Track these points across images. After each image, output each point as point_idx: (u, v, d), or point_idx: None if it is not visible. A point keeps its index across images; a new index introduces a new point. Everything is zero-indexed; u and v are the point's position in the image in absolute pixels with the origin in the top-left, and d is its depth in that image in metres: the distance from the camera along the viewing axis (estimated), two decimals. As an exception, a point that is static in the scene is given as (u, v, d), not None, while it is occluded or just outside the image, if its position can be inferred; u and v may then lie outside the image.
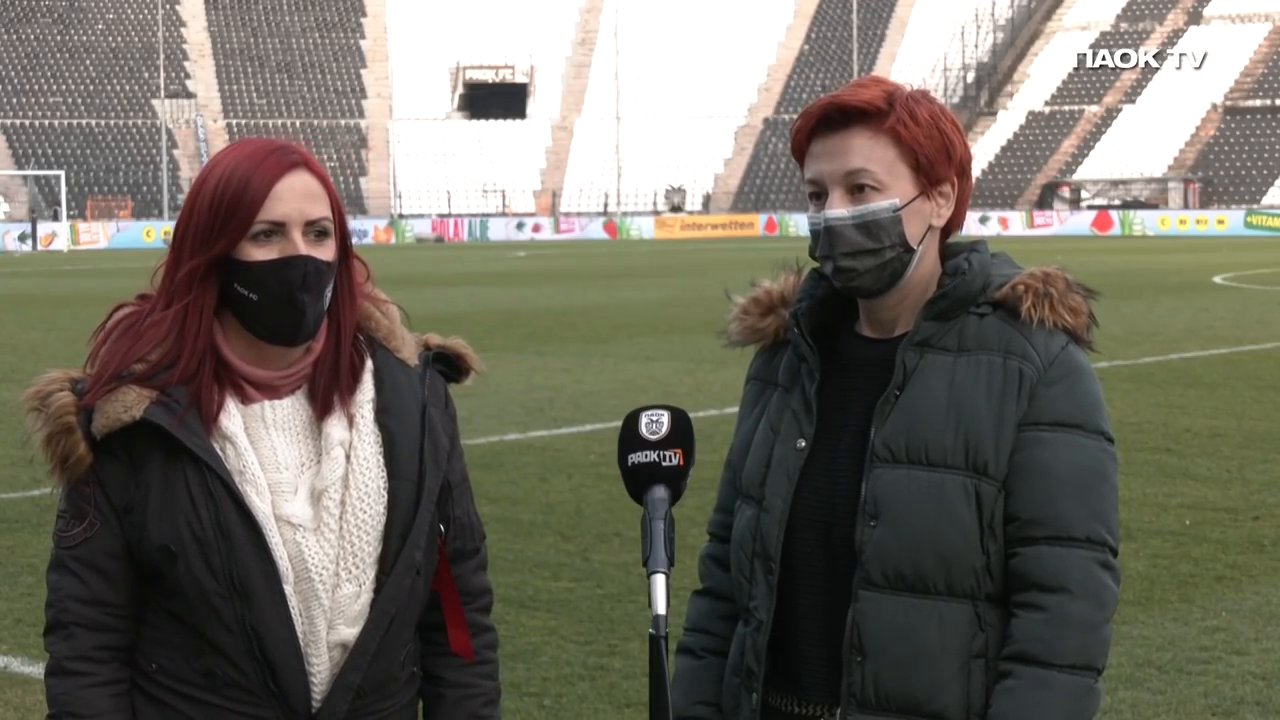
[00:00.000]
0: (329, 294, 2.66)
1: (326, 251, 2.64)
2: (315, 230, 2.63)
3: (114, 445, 2.62)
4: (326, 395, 2.68)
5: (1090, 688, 2.64)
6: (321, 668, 2.65)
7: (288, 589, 2.62)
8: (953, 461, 2.66)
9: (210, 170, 2.65)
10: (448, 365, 2.82)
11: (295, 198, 2.61)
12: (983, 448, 2.66)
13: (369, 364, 2.73)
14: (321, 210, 2.64)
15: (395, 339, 2.77)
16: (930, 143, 2.71)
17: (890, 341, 2.77)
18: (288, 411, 2.68)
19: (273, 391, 2.68)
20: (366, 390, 2.71)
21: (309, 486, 2.66)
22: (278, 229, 2.61)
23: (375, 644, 2.67)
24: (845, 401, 2.77)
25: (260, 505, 2.61)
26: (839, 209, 2.70)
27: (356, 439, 2.68)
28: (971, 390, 2.68)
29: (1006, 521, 2.67)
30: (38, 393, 2.66)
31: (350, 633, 2.66)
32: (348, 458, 2.67)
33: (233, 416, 2.64)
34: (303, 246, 2.61)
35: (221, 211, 2.61)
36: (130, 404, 2.60)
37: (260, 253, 2.60)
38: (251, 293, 2.61)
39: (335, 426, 2.67)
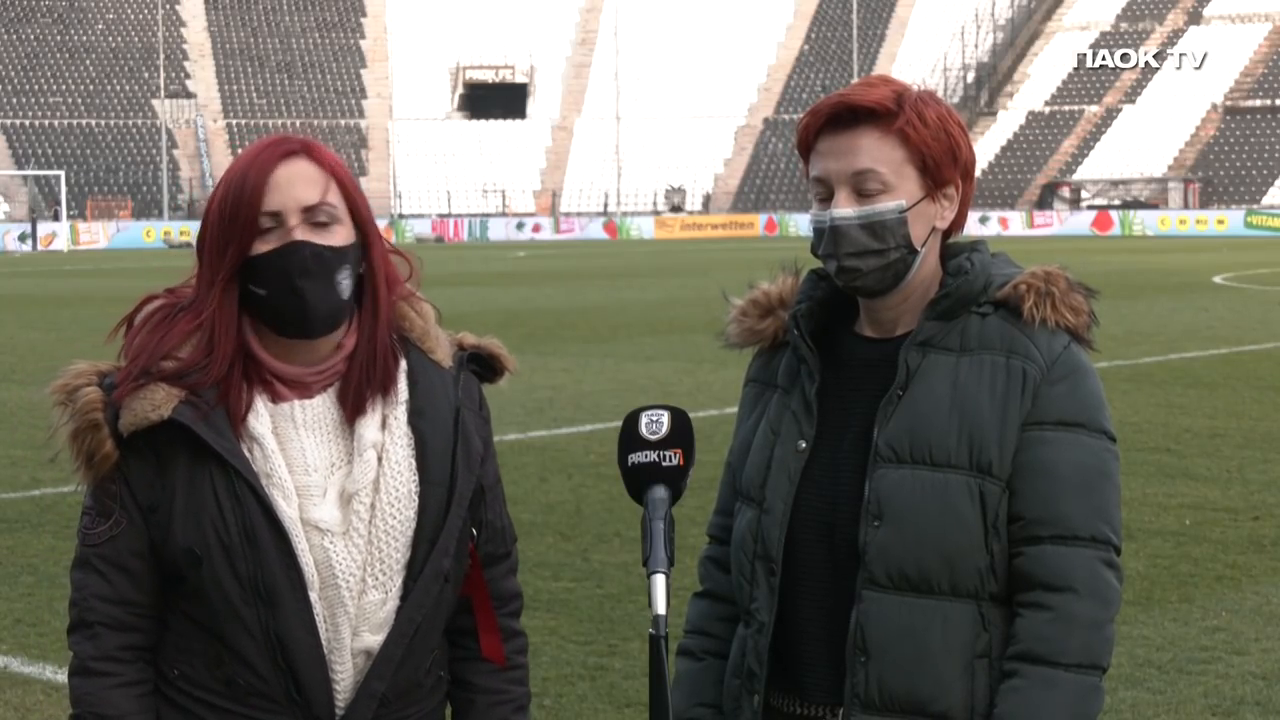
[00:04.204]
0: (345, 282, 2.59)
1: (332, 237, 2.58)
2: (316, 217, 2.58)
3: (140, 443, 2.57)
4: (359, 393, 2.62)
5: (1096, 686, 2.63)
6: (345, 675, 2.61)
7: (313, 595, 2.58)
8: (956, 461, 2.65)
9: (221, 178, 2.65)
10: (481, 366, 2.77)
11: (289, 185, 2.57)
12: (986, 448, 2.65)
13: (403, 364, 2.68)
14: (319, 195, 2.58)
15: (429, 339, 2.72)
16: (937, 144, 2.71)
17: (891, 341, 2.76)
18: (318, 411, 2.63)
19: (304, 389, 2.63)
20: (400, 391, 2.66)
21: (339, 489, 2.61)
22: (276, 220, 2.57)
23: (400, 651, 2.63)
24: (846, 402, 2.76)
25: (287, 510, 2.57)
26: (845, 209, 2.69)
27: (389, 441, 2.63)
28: (975, 390, 2.68)
29: (1010, 521, 2.66)
30: (64, 385, 2.61)
31: (375, 640, 2.62)
32: (380, 460, 2.62)
33: (261, 417, 2.60)
34: (299, 233, 2.56)
35: (227, 214, 2.59)
36: (159, 403, 2.56)
37: (263, 246, 2.57)
38: (260, 288, 2.58)
39: (368, 428, 2.62)
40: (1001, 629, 2.67)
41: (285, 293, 2.56)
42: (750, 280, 2.93)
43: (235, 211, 2.57)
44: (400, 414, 2.65)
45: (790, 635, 2.76)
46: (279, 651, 2.57)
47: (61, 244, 67.64)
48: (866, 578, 2.67)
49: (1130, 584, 8.10)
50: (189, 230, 69.40)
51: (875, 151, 2.69)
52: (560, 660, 7.18)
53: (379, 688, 2.62)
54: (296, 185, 2.57)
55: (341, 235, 2.60)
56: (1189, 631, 7.54)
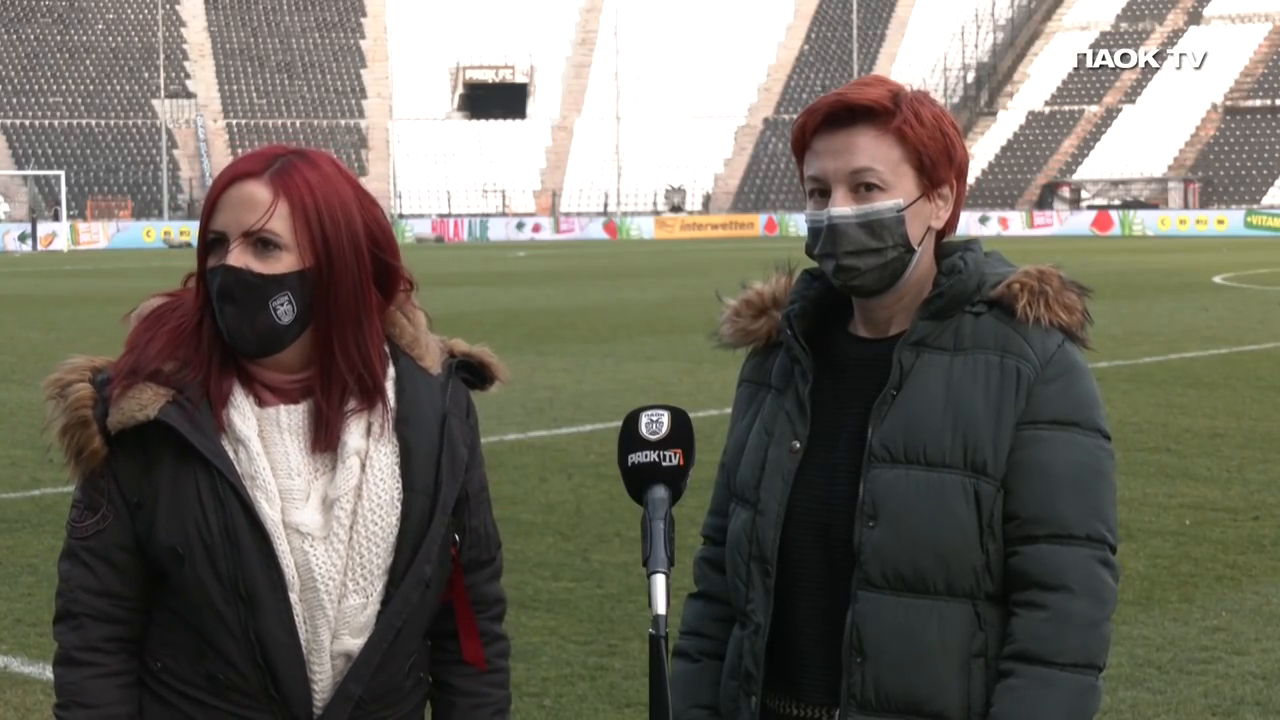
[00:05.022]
0: (283, 309, 2.59)
1: (272, 265, 2.58)
2: (255, 240, 2.58)
3: (128, 440, 2.61)
4: (315, 417, 2.64)
5: (1092, 685, 2.64)
6: (324, 676, 2.64)
7: (293, 597, 2.60)
8: (951, 461, 2.66)
9: None
10: (472, 373, 2.79)
11: (234, 208, 2.59)
12: (981, 447, 2.65)
13: (390, 371, 2.69)
14: (262, 220, 2.58)
15: (419, 346, 2.74)
16: (934, 144, 2.71)
17: (885, 341, 2.77)
18: (302, 416, 2.65)
19: (287, 396, 2.65)
20: (387, 399, 2.68)
21: (321, 494, 2.63)
22: (220, 239, 2.60)
23: (379, 655, 2.65)
24: (840, 402, 2.76)
25: (269, 512, 2.59)
26: (843, 207, 2.70)
27: (373, 448, 2.65)
28: (969, 389, 2.68)
29: (1006, 520, 2.66)
30: (57, 380, 2.65)
31: (355, 643, 2.64)
32: (363, 467, 2.64)
33: (248, 419, 2.62)
34: (234, 256, 2.57)
35: (200, 225, 2.65)
36: (146, 403, 2.59)
37: (211, 262, 2.61)
38: (210, 301, 2.63)
39: (353, 434, 2.64)
40: (998, 628, 2.67)
41: (219, 311, 2.60)
42: (743, 280, 2.93)
43: (200, 224, 2.64)
44: (386, 421, 2.67)
45: (786, 636, 2.76)
46: (258, 650, 2.60)
47: (61, 244, 67.63)
48: (862, 578, 2.67)
49: (1130, 584, 8.10)
50: (189, 230, 69.42)
51: (873, 150, 2.69)
52: (560, 660, 7.19)
53: (355, 690, 2.65)
54: (240, 208, 2.59)
55: (284, 263, 2.59)
56: (1189, 631, 7.54)
